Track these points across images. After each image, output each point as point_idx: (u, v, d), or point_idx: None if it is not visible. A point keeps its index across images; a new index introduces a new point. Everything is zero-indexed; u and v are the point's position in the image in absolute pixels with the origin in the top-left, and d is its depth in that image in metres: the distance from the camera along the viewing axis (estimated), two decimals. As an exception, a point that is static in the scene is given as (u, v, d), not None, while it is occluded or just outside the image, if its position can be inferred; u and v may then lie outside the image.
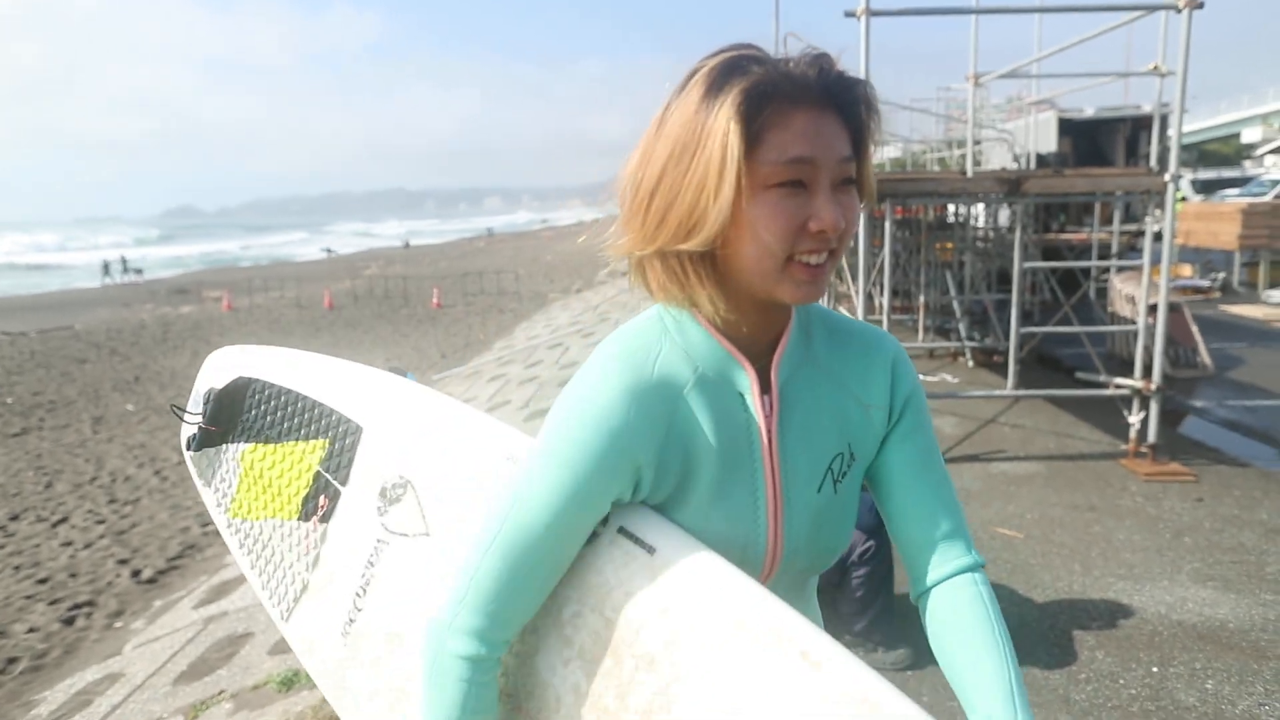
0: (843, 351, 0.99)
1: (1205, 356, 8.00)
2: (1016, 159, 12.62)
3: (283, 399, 1.36)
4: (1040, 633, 3.29)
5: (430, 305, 19.35)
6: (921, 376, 1.10)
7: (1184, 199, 17.09)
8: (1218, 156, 42.28)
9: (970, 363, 8.11)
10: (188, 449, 1.46)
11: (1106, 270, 9.65)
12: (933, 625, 0.95)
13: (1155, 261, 5.55)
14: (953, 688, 0.91)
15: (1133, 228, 10.01)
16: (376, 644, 1.14)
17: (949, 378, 7.53)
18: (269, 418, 1.36)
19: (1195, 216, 14.15)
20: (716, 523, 0.91)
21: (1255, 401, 6.86)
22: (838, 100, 0.84)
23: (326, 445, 1.26)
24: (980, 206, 9.92)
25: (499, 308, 18.61)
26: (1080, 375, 6.84)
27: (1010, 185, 5.49)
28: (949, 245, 9.39)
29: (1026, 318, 6.93)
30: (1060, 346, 8.70)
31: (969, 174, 6.16)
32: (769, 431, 0.92)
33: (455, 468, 1.11)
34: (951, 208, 9.54)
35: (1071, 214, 12.76)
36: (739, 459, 0.91)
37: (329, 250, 49.92)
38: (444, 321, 16.89)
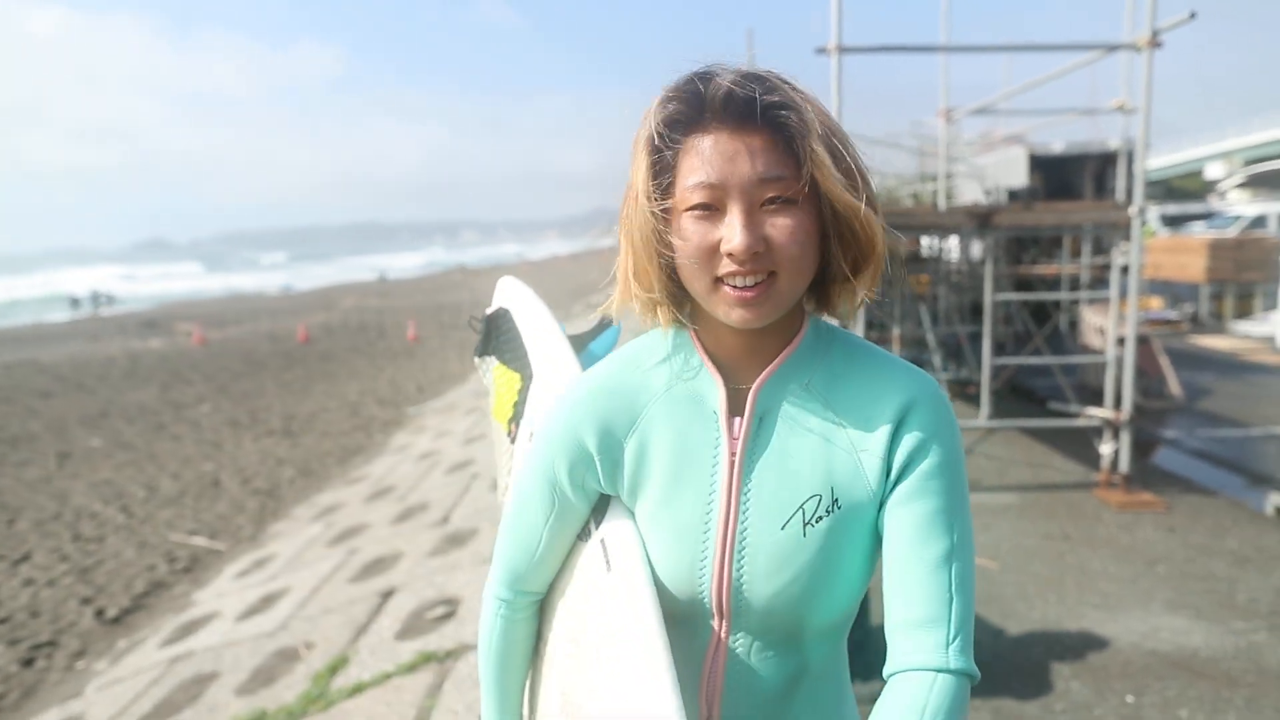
0: (849, 385, 0.92)
1: (1175, 387, 8.10)
2: (988, 193, 12.83)
3: (514, 332, 1.66)
4: (1015, 663, 3.28)
5: (406, 338, 19.25)
6: None
7: (1153, 233, 17.43)
8: (1184, 192, 43.22)
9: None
10: (475, 354, 1.79)
11: (1077, 302, 9.79)
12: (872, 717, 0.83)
13: (1124, 294, 5.64)
14: None
15: (1102, 260, 10.19)
16: None
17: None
18: (506, 345, 1.67)
19: (1163, 250, 14.41)
20: (664, 530, 0.92)
21: (1224, 432, 6.95)
22: (754, 118, 0.81)
23: (521, 381, 1.53)
24: (954, 240, 10.06)
25: (475, 340, 18.53)
26: (1053, 406, 6.91)
27: (981, 219, 5.58)
28: (924, 278, 9.50)
29: (1000, 349, 7.00)
30: (1034, 378, 8.79)
31: (941, 208, 6.25)
32: (734, 453, 0.91)
33: None
34: (926, 241, 9.67)
35: (1043, 247, 12.97)
36: (696, 473, 0.92)
37: (288, 287, 48.89)
38: (420, 355, 16.80)
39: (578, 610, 1.01)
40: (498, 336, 1.71)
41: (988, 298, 5.74)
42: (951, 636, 0.82)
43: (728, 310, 0.86)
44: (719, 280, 0.85)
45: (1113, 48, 5.63)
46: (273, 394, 13.04)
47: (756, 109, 0.81)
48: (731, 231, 0.82)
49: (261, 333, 21.63)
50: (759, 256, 0.82)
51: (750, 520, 0.90)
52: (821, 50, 5.00)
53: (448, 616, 3.94)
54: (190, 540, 6.66)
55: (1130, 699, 3.02)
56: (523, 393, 1.50)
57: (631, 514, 0.97)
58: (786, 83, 0.85)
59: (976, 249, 10.11)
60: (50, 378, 15.04)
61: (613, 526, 0.98)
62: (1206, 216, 19.18)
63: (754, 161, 0.82)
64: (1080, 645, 3.41)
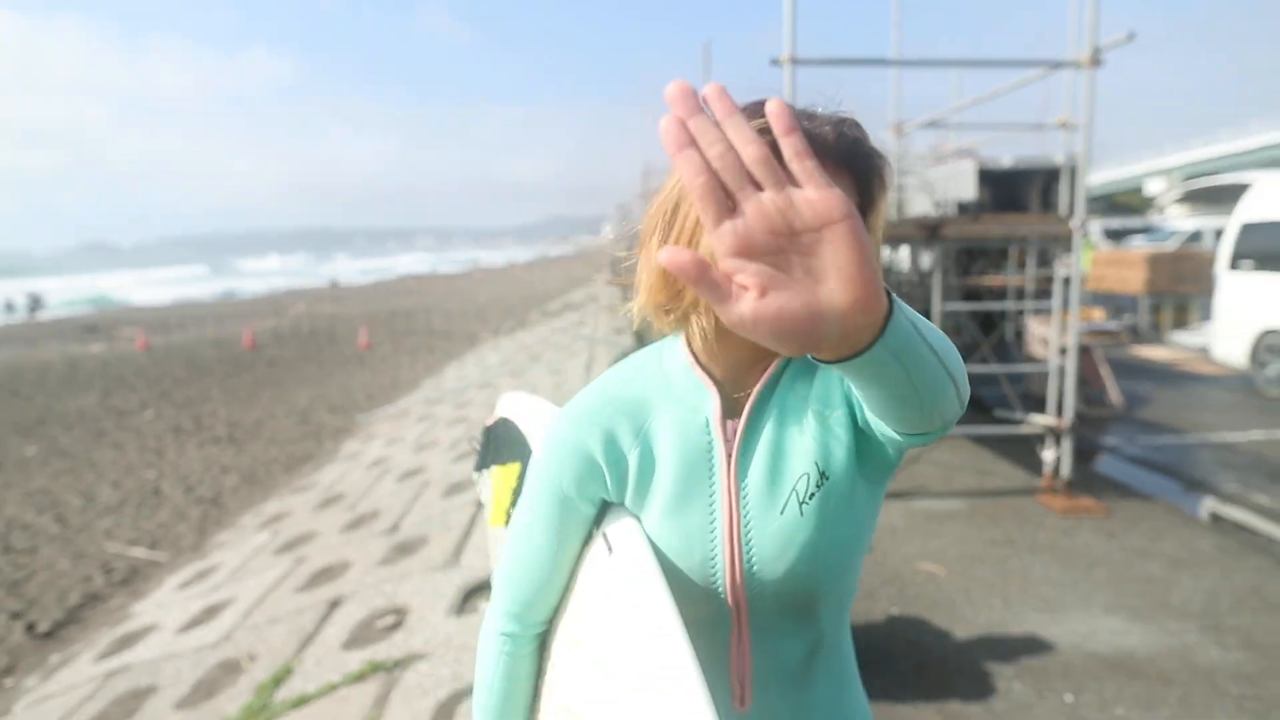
0: (812, 369, 1.00)
1: (1115, 396, 8.33)
2: (938, 205, 13.07)
3: (509, 429, 1.66)
4: (960, 666, 3.33)
5: (358, 345, 18.99)
6: None
7: (1094, 246, 17.90)
8: (1127, 206, 44.52)
9: (894, 402, 8.26)
10: (475, 470, 1.78)
11: (1022, 312, 10.01)
12: None
13: (1069, 304, 5.78)
14: None
15: (1046, 272, 10.43)
16: None
17: (874, 416, 7.65)
18: (505, 444, 1.66)
19: (1105, 263, 14.82)
20: (673, 535, 0.96)
21: (1161, 439, 7.15)
22: (852, 164, 0.86)
23: (520, 468, 1.52)
24: (905, 251, 10.22)
25: (428, 347, 18.36)
26: (999, 414, 7.05)
27: (930, 230, 5.68)
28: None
29: (947, 358, 7.13)
30: (981, 386, 8.96)
31: (892, 219, 6.36)
32: (729, 455, 0.96)
33: None
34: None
35: (991, 259, 13.24)
36: (698, 480, 0.97)
37: (230, 293, 46.46)
38: (371, 361, 16.58)
39: (578, 611, 1.01)
40: (498, 447, 1.69)
41: (936, 307, 5.85)
42: None
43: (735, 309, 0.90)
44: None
45: (1056, 65, 5.78)
46: (218, 400, 12.75)
47: (873, 164, 0.87)
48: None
49: (207, 338, 21.17)
50: None
51: (751, 513, 0.96)
52: (775, 61, 5.05)
53: (396, 626, 3.88)
54: (129, 551, 6.47)
55: (1069, 698, 3.09)
56: (523, 475, 1.50)
57: (631, 514, 1.00)
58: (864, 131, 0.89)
59: (926, 260, 10.30)
60: (-16, 384, 14.54)
61: (613, 521, 1.00)
62: (1146, 231, 19.77)
63: None
64: (1023, 647, 3.48)
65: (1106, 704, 3.05)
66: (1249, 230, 9.20)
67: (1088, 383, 8.14)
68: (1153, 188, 38.68)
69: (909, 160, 13.69)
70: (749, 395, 0.98)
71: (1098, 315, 14.26)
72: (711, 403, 0.97)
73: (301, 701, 3.31)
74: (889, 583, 4.13)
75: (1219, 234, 15.75)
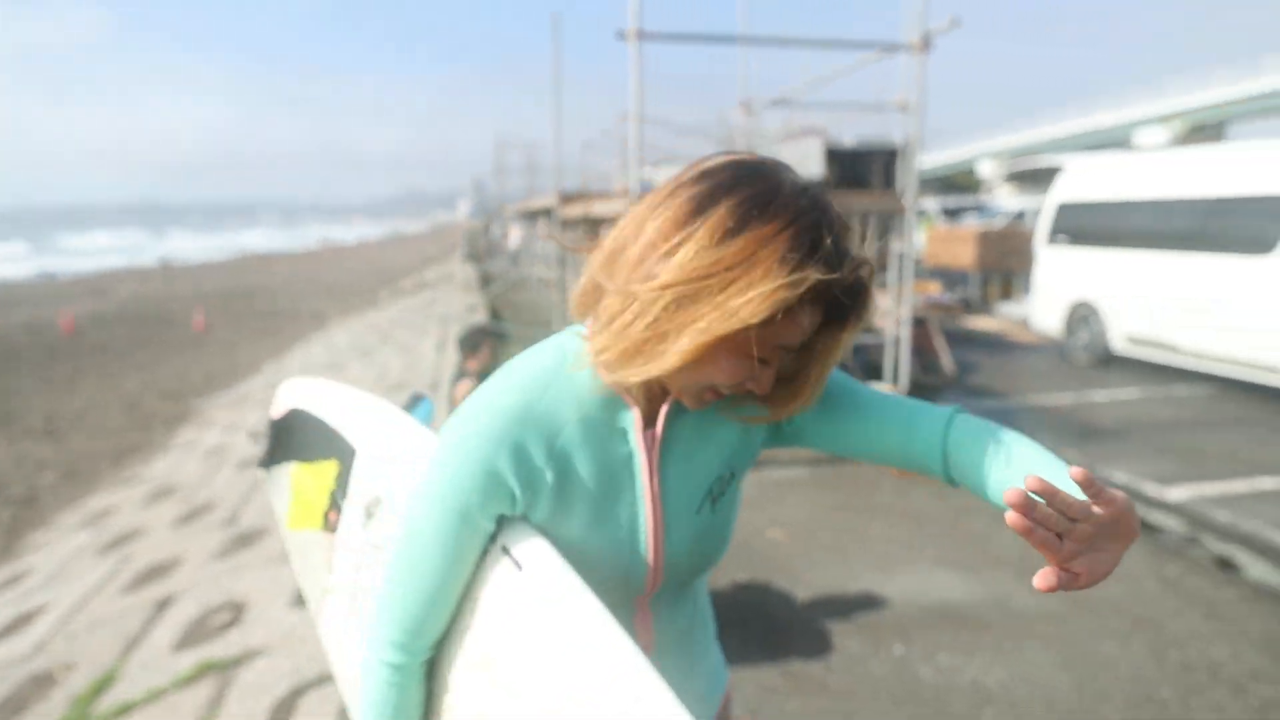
0: None
1: (948, 364, 8.88)
2: (787, 184, 13.45)
3: (313, 423, 1.52)
4: (801, 627, 3.48)
5: (193, 327, 17.82)
6: None
7: (931, 222, 18.96)
8: (962, 186, 47.40)
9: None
10: (259, 467, 1.66)
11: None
12: (959, 459, 0.96)
13: (904, 278, 6.10)
14: (988, 493, 0.94)
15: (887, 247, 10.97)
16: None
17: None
18: (307, 441, 1.53)
19: (941, 240, 15.73)
20: (597, 545, 0.97)
21: (988, 403, 7.69)
22: (854, 307, 0.89)
23: (337, 465, 1.40)
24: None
25: (272, 329, 17.46)
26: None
27: (773, 206, 5.84)
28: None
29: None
30: (826, 358, 9.34)
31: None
32: (650, 464, 0.98)
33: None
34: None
35: (836, 236, 13.78)
36: (619, 489, 0.98)
37: (48, 274, 41.55)
38: (209, 345, 15.61)
39: (482, 632, 0.97)
40: (294, 442, 1.57)
41: (781, 282, 6.03)
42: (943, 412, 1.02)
43: (694, 401, 0.93)
44: (713, 386, 0.91)
45: (891, 49, 6.05)
46: (31, 390, 11.69)
47: (854, 298, 0.89)
48: (764, 380, 0.91)
49: (16, 323, 19.31)
50: None
51: (671, 516, 1.01)
52: (621, 35, 5.04)
53: (233, 622, 3.69)
54: (-74, 558, 5.86)
55: (899, 650, 3.28)
56: (342, 475, 1.38)
57: (531, 526, 0.98)
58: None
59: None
60: None
61: (507, 532, 0.97)
62: (979, 210, 21.11)
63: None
64: (859, 605, 3.67)
65: (931, 653, 3.26)
66: (1063, 210, 9.97)
67: (923, 352, 8.63)
68: (984, 169, 41.33)
69: (759, 138, 14.05)
70: (662, 403, 0.98)
71: (934, 289, 15.15)
72: (630, 415, 0.97)
73: (124, 710, 3.09)
74: (738, 551, 4.26)
75: (1039, 213, 17.05)
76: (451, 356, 8.31)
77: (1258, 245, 7.43)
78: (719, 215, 0.81)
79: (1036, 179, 15.73)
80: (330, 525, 1.39)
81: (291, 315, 19.51)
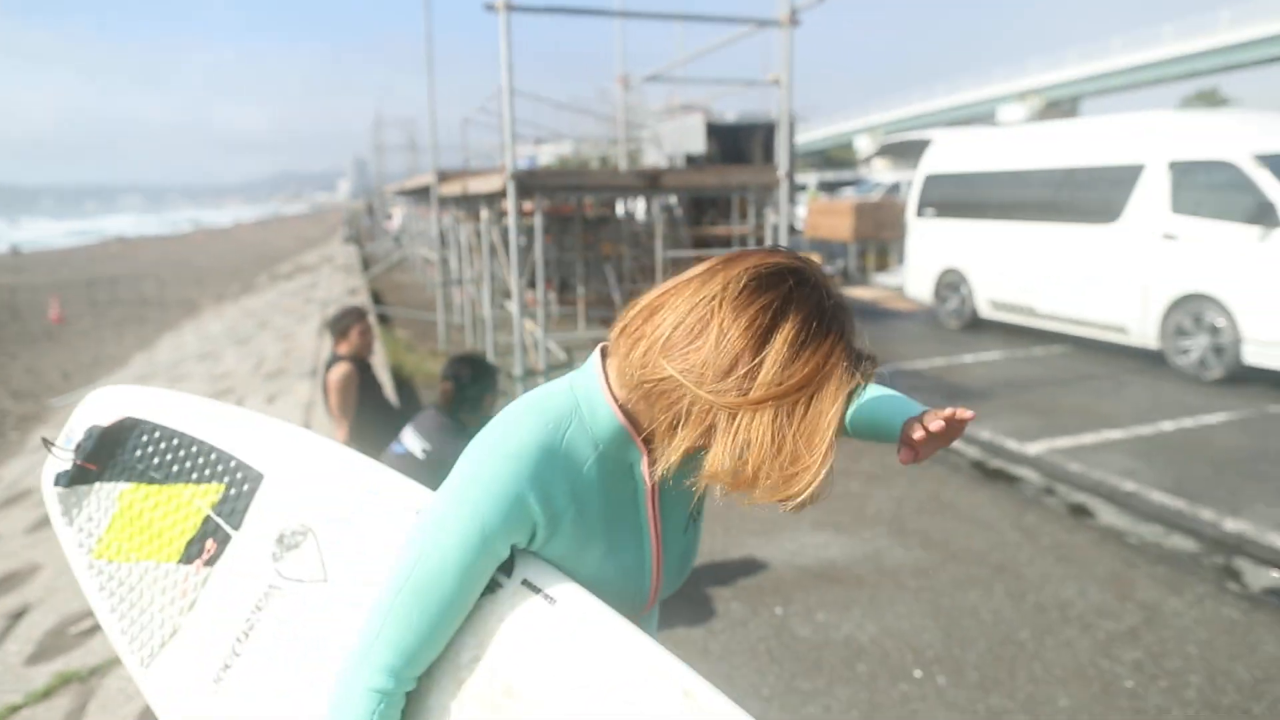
0: None
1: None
2: (670, 158, 13.58)
3: (175, 442, 1.37)
4: (685, 595, 3.55)
5: (48, 319, 16.64)
6: None
7: (815, 196, 19.47)
8: (840, 160, 48.83)
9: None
10: (55, 484, 1.40)
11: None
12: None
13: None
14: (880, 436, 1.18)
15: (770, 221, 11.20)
16: (253, 688, 1.19)
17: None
18: (156, 459, 1.37)
19: (820, 212, 16.17)
20: (610, 574, 1.03)
21: (864, 369, 7.99)
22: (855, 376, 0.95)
23: (222, 490, 1.29)
24: (641, 202, 10.53)
25: (139, 318, 16.49)
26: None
27: (651, 180, 5.88)
28: (620, 245, 9.88)
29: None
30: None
31: (623, 170, 6.51)
32: (653, 496, 1.05)
33: (360, 517, 1.18)
34: (620, 204, 10.03)
35: (720, 209, 14.01)
36: (628, 520, 1.04)
37: None
38: (67, 337, 14.62)
39: (531, 666, 0.98)
40: (125, 458, 1.39)
41: (659, 255, 6.09)
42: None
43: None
44: None
45: (762, 23, 6.14)
46: None
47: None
48: None
49: None
50: None
51: (668, 539, 1.10)
52: (490, 6, 4.94)
53: (95, 629, 3.49)
54: None
55: (779, 610, 3.40)
56: (232, 502, 1.28)
57: (539, 556, 1.02)
58: None
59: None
60: None
61: (524, 566, 1.00)
62: (856, 183, 21.78)
63: None
64: (741, 569, 3.78)
65: (810, 611, 3.39)
66: (930, 181, 10.40)
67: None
68: (861, 144, 42.66)
69: (641, 114, 14.03)
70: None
71: (814, 260, 15.61)
72: (639, 452, 1.02)
73: (-30, 731, 2.89)
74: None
75: (911, 185, 17.74)
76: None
77: (1106, 214, 7.95)
78: (791, 328, 0.89)
79: (908, 153, 16.34)
80: (203, 557, 1.27)
81: (159, 303, 18.46)
